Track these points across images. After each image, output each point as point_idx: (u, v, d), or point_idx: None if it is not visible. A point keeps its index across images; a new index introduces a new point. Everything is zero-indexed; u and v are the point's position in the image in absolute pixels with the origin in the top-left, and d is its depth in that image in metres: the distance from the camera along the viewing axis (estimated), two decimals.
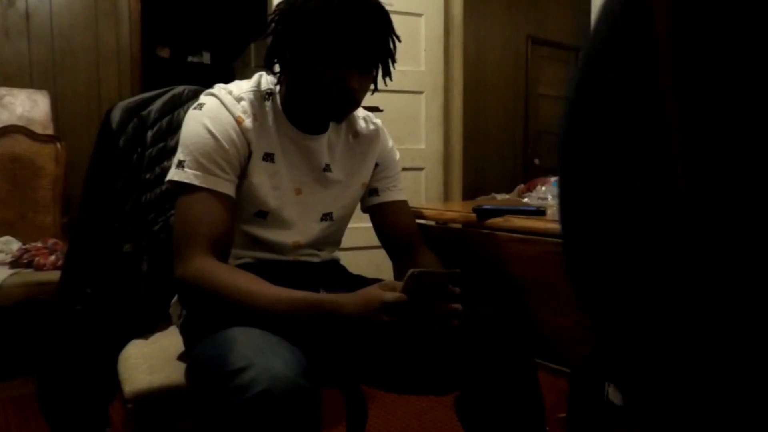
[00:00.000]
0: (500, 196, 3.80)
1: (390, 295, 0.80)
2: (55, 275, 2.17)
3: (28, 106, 2.69)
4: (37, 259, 2.21)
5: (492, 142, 4.72)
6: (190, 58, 4.96)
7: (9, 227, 2.48)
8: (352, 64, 0.96)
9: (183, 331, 1.04)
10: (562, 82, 5.39)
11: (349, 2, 0.92)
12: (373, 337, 0.82)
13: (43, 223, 2.55)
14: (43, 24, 2.81)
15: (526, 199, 1.32)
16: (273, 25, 0.97)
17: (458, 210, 1.20)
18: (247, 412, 0.69)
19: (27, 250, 2.27)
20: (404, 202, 1.20)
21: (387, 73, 1.02)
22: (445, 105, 2.80)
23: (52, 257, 2.24)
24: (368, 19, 0.94)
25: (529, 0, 4.98)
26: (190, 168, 0.94)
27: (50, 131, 2.69)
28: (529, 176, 4.71)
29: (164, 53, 4.74)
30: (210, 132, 0.96)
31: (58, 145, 2.62)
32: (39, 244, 2.35)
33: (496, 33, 4.74)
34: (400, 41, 1.01)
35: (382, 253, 1.19)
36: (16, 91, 2.69)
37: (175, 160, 0.97)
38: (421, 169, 2.69)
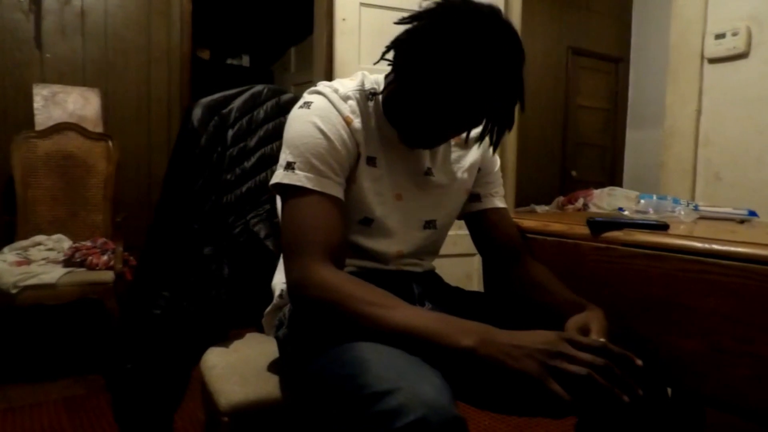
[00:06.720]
0: (540, 208, 3.67)
1: (586, 339, 0.76)
2: (107, 275, 2.14)
3: (80, 103, 2.68)
4: (90, 258, 2.18)
5: (531, 153, 4.63)
6: (229, 61, 4.96)
7: (60, 225, 2.46)
8: (468, 127, 0.93)
9: (284, 343, 0.97)
10: (602, 93, 5.29)
11: (497, 69, 0.84)
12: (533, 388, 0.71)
13: (94, 222, 2.52)
14: (98, 22, 2.80)
15: (626, 212, 1.25)
16: (415, 21, 0.88)
17: (565, 221, 1.13)
18: None
19: (78, 249, 2.24)
20: (506, 210, 1.13)
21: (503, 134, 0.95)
22: None
23: (104, 257, 2.21)
24: (506, 94, 0.88)
25: (572, 11, 4.91)
26: (302, 170, 0.88)
27: (100, 129, 2.67)
28: (567, 188, 4.62)
29: (204, 55, 4.74)
30: (321, 132, 0.90)
31: (110, 143, 2.60)
32: (89, 243, 2.31)
33: (538, 43, 4.68)
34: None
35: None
36: (69, 88, 2.68)
37: (281, 161, 0.91)
38: None
